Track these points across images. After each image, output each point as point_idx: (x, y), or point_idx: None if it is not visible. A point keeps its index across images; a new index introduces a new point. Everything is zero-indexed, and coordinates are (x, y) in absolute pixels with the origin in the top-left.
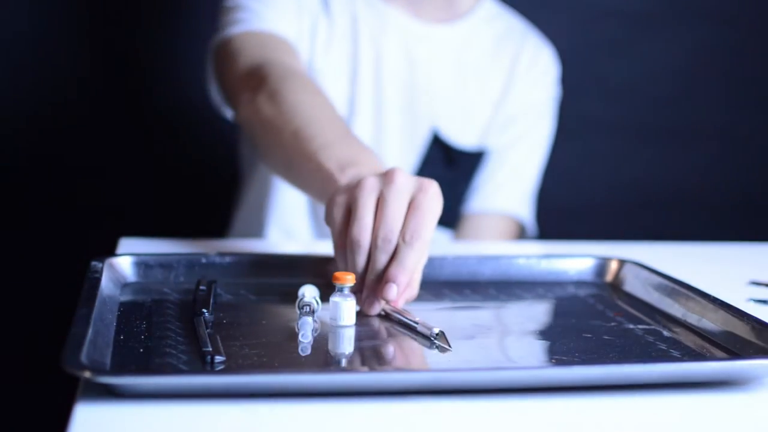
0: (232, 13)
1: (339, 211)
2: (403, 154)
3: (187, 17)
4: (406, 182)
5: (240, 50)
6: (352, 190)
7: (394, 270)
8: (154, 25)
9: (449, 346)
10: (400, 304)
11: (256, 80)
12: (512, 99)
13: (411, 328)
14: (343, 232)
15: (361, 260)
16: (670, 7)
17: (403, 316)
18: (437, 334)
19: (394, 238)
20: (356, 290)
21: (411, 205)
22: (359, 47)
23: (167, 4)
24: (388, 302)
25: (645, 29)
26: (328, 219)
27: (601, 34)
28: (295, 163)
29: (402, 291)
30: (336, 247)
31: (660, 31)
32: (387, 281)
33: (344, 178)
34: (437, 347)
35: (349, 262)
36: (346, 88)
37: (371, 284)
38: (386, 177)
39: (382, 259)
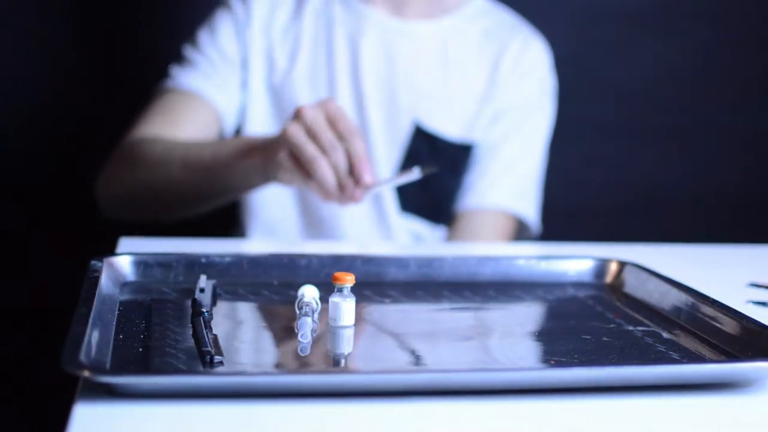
0: (180, 64)
1: (284, 157)
2: (386, 148)
3: (189, 19)
4: (313, 108)
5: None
6: (284, 138)
7: (355, 162)
8: (156, 26)
9: (434, 167)
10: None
11: (114, 157)
12: (500, 94)
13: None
14: (298, 169)
15: (327, 171)
16: (670, 8)
17: (382, 182)
18: (421, 169)
19: (336, 141)
20: (338, 197)
21: (327, 118)
22: (334, 49)
23: (171, 6)
24: (365, 187)
25: (645, 30)
26: (282, 171)
27: (602, 36)
28: (194, 181)
29: (371, 172)
30: (307, 183)
31: (660, 33)
32: (357, 172)
33: (258, 152)
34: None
35: (319, 181)
36: (323, 91)
37: (345, 181)
38: (297, 116)
39: (340, 159)
